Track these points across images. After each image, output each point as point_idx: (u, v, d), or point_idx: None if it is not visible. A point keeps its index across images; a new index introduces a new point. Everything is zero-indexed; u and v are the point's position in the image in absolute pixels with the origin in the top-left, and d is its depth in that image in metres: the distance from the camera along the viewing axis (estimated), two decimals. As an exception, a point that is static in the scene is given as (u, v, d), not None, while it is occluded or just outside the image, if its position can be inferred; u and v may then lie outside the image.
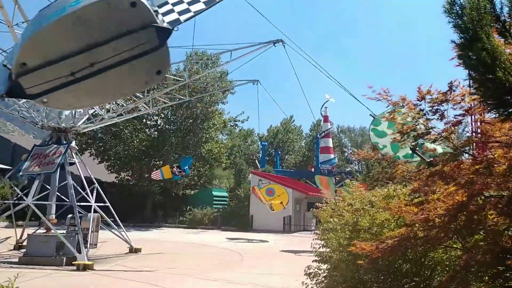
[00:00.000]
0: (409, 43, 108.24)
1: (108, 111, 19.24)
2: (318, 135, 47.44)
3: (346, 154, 68.58)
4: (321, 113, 46.98)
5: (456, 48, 3.29)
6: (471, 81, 3.69)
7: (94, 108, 18.57)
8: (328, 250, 6.67)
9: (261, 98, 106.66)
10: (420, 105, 4.83)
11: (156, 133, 35.89)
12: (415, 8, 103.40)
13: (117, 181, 35.79)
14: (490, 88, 2.85)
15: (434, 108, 4.72)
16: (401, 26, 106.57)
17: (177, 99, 22.68)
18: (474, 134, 7.62)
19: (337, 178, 41.90)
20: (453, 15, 3.08)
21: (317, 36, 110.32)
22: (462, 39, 3.07)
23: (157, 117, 35.67)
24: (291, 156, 62.03)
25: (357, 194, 6.68)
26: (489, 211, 3.60)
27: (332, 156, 46.02)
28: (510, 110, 2.80)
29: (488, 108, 3.33)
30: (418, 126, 4.76)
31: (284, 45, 15.31)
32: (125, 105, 21.57)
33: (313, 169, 45.91)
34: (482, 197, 4.12)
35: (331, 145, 47.02)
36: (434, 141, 4.70)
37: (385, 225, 5.83)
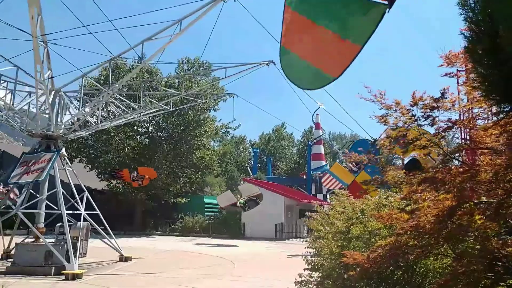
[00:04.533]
0: (406, 49, 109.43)
1: (102, 120, 19.10)
2: (309, 142, 47.63)
3: (337, 160, 68.83)
4: (312, 120, 47.25)
5: (464, 41, 3.29)
6: (472, 75, 3.70)
7: (84, 116, 18.45)
8: (319, 258, 6.66)
9: (255, 102, 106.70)
10: (413, 110, 4.88)
11: (147, 140, 35.69)
12: (411, 15, 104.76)
13: (107, 189, 35.46)
14: (494, 82, 2.87)
15: (426, 113, 4.77)
16: (396, 32, 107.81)
17: (169, 107, 22.62)
18: (463, 140, 7.70)
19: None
20: (466, 8, 3.08)
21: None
22: (472, 32, 3.08)
23: (148, 124, 35.50)
24: (283, 163, 62.10)
25: (347, 202, 6.69)
26: (478, 216, 3.62)
27: (323, 163, 46.21)
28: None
29: (491, 103, 3.35)
30: (408, 132, 4.80)
31: (275, 65, 15.72)
32: (116, 112, 21.44)
33: (304, 176, 46.01)
34: (472, 203, 4.16)
35: (322, 152, 47.22)
36: (424, 147, 4.74)
37: (377, 233, 5.85)
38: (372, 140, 10.57)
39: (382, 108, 5.19)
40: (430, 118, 4.77)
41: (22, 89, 18.02)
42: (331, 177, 27.14)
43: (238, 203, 25.34)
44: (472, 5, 2.85)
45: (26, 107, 17.23)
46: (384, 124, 5.02)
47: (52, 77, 15.89)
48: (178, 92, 21.57)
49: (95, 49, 16.56)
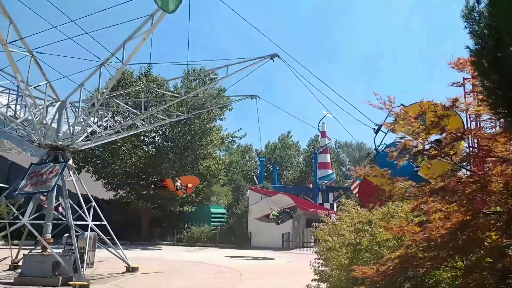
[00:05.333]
0: (412, 53, 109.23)
1: (106, 128, 19.23)
2: (316, 151, 47.48)
3: (344, 169, 68.54)
4: (318, 128, 47.17)
5: (470, 58, 3.29)
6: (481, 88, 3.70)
7: (92, 126, 18.59)
8: (327, 269, 6.61)
9: (260, 113, 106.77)
10: (421, 118, 4.85)
11: (153, 150, 35.81)
12: (416, 20, 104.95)
13: (114, 199, 35.55)
14: (501, 96, 2.86)
15: (435, 122, 4.73)
16: (405, 35, 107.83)
17: (175, 116, 22.74)
18: (472, 148, 7.68)
19: (335, 194, 41.76)
20: (470, 20, 3.07)
21: (317, 49, 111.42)
22: (477, 46, 3.07)
23: (154, 134, 35.65)
24: (289, 172, 61.90)
25: (355, 213, 6.65)
26: (493, 233, 3.57)
27: (330, 171, 45.99)
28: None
29: (497, 117, 3.33)
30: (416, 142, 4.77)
31: (281, 59, 14.91)
32: (123, 122, 21.62)
33: (311, 185, 45.80)
34: (481, 214, 4.11)
35: (329, 160, 47.03)
36: (434, 157, 4.70)
37: (386, 244, 5.80)
38: (377, 126, 10.49)
39: (390, 116, 5.18)
40: (439, 127, 4.74)
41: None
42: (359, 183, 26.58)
43: (270, 215, 24.25)
44: (477, 18, 2.85)
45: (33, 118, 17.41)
46: (392, 132, 5.01)
47: (51, 87, 16.05)
48: (179, 96, 21.62)
49: (87, 56, 16.59)
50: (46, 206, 15.59)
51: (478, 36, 2.87)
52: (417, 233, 3.65)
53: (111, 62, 14.24)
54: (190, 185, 23.39)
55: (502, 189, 3.59)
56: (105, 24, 14.03)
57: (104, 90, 15.79)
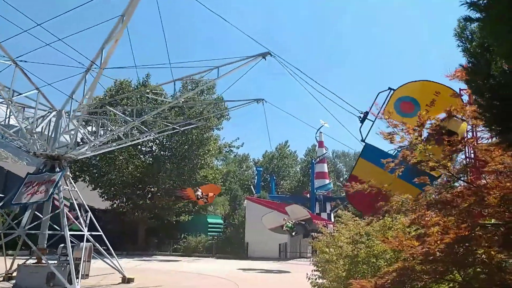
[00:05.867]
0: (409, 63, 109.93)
1: (101, 136, 19.19)
2: (313, 161, 47.48)
3: (341, 179, 68.54)
4: (316, 138, 47.22)
5: (463, 72, 3.33)
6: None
7: (86, 135, 18.56)
8: (325, 281, 6.57)
9: (257, 123, 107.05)
10: (419, 130, 4.90)
11: (151, 159, 35.72)
12: (411, 31, 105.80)
13: (110, 208, 35.35)
14: (495, 114, 2.89)
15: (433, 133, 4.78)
16: (403, 43, 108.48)
17: (172, 126, 22.69)
18: (468, 159, 7.70)
19: (332, 204, 41.70)
20: (463, 39, 3.13)
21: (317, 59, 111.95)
22: (470, 64, 3.11)
23: (152, 144, 35.60)
24: (286, 182, 61.83)
25: (353, 225, 6.64)
26: (494, 251, 3.57)
27: (327, 181, 45.94)
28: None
29: (492, 134, 3.36)
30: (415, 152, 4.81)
31: (274, 56, 13.95)
32: (114, 128, 21.54)
33: (308, 194, 45.73)
34: (479, 227, 4.11)
35: (326, 170, 47.01)
36: (432, 169, 4.73)
37: (383, 256, 5.78)
38: (362, 114, 9.66)
39: (389, 126, 5.21)
40: (437, 138, 4.79)
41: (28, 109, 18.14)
42: None
43: (284, 227, 23.19)
44: (469, 37, 2.89)
45: (29, 127, 17.37)
46: (390, 142, 5.04)
47: (43, 95, 16.05)
48: (172, 101, 21.48)
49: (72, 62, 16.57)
50: (73, 221, 15.56)
51: (470, 55, 2.91)
52: (416, 247, 3.65)
53: (95, 68, 14.16)
54: (211, 194, 23.04)
55: (499, 202, 3.60)
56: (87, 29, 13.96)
57: (87, 97, 15.62)
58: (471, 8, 2.47)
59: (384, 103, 8.81)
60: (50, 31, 12.15)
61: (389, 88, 8.93)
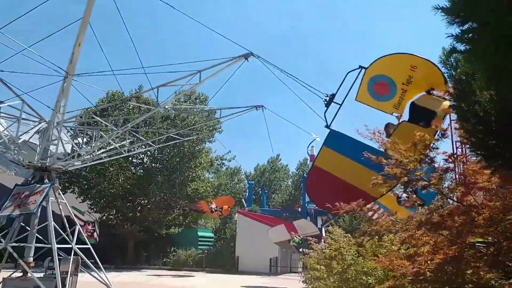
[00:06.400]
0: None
1: (88, 149, 19.02)
2: (304, 174, 47.49)
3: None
4: (307, 152, 47.30)
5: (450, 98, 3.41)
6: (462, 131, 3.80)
7: (79, 146, 18.39)
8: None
9: (249, 136, 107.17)
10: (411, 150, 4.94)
11: (141, 171, 35.47)
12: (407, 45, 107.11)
13: (99, 221, 34.86)
14: (480, 139, 2.94)
15: (425, 154, 4.83)
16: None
17: (163, 136, 22.59)
18: (458, 176, 7.75)
19: (323, 219, 41.59)
20: (448, 66, 3.22)
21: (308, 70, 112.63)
22: (456, 90, 3.19)
23: (143, 155, 35.39)
24: (278, 195, 61.69)
25: (343, 241, 6.63)
26: (481, 269, 3.59)
27: (318, 195, 45.88)
28: (500, 162, 2.87)
29: (478, 159, 3.41)
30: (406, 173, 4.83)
31: (257, 58, 13.60)
32: (109, 141, 21.37)
33: (299, 208, 45.62)
34: (469, 247, 4.13)
35: (317, 184, 46.97)
36: (423, 188, 4.76)
37: (373, 273, 5.76)
38: (328, 97, 8.13)
39: (380, 146, 5.25)
40: (428, 158, 4.84)
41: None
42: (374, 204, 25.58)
43: (291, 241, 22.38)
44: (454, 64, 2.97)
45: (19, 137, 17.17)
46: (381, 163, 5.06)
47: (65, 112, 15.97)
48: (174, 130, 21.50)
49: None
50: (94, 237, 15.39)
51: (455, 81, 2.98)
52: (406, 266, 3.65)
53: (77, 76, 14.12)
54: (225, 206, 22.38)
55: (488, 222, 3.63)
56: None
57: (62, 105, 15.45)
58: (457, 41, 2.55)
59: (353, 84, 7.76)
60: (14, 38, 12.17)
61: (360, 67, 7.73)
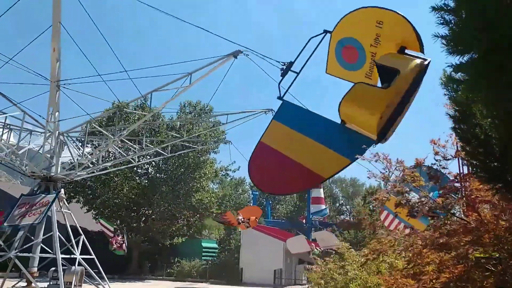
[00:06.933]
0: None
1: (98, 160, 19.15)
2: (309, 185, 47.20)
3: (337, 204, 68.24)
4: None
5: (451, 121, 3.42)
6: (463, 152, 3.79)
7: (88, 156, 18.51)
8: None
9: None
10: (416, 171, 4.92)
11: (146, 181, 35.54)
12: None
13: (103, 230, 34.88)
14: (482, 161, 2.94)
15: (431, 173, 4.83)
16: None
17: (167, 152, 22.68)
18: (463, 190, 7.71)
19: (328, 230, 41.27)
20: (449, 88, 3.23)
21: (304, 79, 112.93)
22: (456, 113, 3.20)
23: (148, 166, 35.49)
24: (282, 206, 61.38)
25: (348, 256, 6.62)
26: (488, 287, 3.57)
27: (323, 206, 45.60)
28: (501, 184, 2.87)
29: (480, 181, 3.41)
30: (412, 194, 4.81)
31: (246, 56, 13.04)
32: (121, 155, 21.50)
33: (304, 220, 45.33)
34: (474, 263, 4.11)
35: (322, 195, 46.72)
36: (430, 209, 4.71)
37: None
38: (285, 66, 7.21)
39: (385, 168, 5.23)
40: (434, 178, 4.83)
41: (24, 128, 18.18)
42: (389, 214, 23.78)
43: (311, 253, 21.59)
44: (455, 86, 2.99)
45: (26, 147, 17.34)
46: (386, 182, 5.06)
47: (58, 120, 16.09)
48: (179, 136, 21.61)
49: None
50: (123, 248, 15.43)
51: (456, 104, 3.00)
52: (411, 285, 3.64)
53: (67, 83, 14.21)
54: (252, 217, 21.64)
55: (495, 241, 3.62)
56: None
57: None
58: (453, 70, 2.57)
59: (314, 50, 6.72)
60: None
61: (325, 31, 6.65)
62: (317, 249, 21.53)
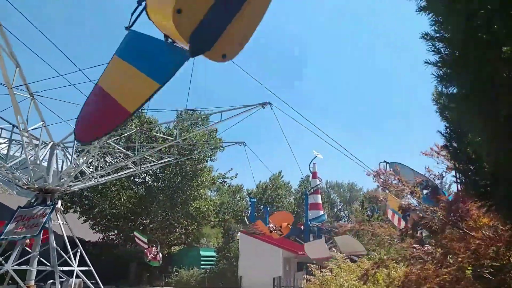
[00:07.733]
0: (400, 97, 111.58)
1: (96, 169, 19.13)
2: (307, 192, 47.21)
3: (335, 210, 68.23)
4: (309, 169, 47.18)
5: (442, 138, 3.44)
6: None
7: (83, 167, 18.47)
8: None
9: (249, 154, 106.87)
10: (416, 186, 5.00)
11: (143, 190, 35.44)
12: (408, 68, 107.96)
13: (101, 241, 34.72)
14: (474, 180, 2.96)
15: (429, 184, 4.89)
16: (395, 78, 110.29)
17: (166, 158, 22.72)
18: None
19: (326, 237, 41.23)
20: (440, 105, 3.22)
21: (304, 93, 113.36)
22: (448, 130, 3.21)
23: (145, 174, 35.41)
24: (280, 213, 61.25)
25: (345, 265, 6.63)
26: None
27: (321, 212, 45.54)
28: (493, 202, 2.88)
29: (471, 198, 3.43)
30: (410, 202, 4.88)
31: (271, 107, 15.96)
32: (113, 163, 21.52)
33: (302, 226, 45.25)
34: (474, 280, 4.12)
35: (320, 201, 46.68)
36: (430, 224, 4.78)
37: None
38: None
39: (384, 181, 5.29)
40: (432, 188, 4.90)
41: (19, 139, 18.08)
42: (394, 213, 22.87)
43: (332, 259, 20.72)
44: (446, 104, 3.01)
45: (18, 158, 17.24)
46: (389, 191, 5.12)
47: (45, 126, 16.03)
48: (172, 138, 21.64)
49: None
50: (157, 259, 15.36)
51: (447, 120, 3.02)
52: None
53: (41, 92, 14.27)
54: (284, 224, 20.95)
55: (495, 256, 3.64)
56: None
57: (21, 123, 15.48)
58: (442, 84, 2.59)
59: None
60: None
61: None
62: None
